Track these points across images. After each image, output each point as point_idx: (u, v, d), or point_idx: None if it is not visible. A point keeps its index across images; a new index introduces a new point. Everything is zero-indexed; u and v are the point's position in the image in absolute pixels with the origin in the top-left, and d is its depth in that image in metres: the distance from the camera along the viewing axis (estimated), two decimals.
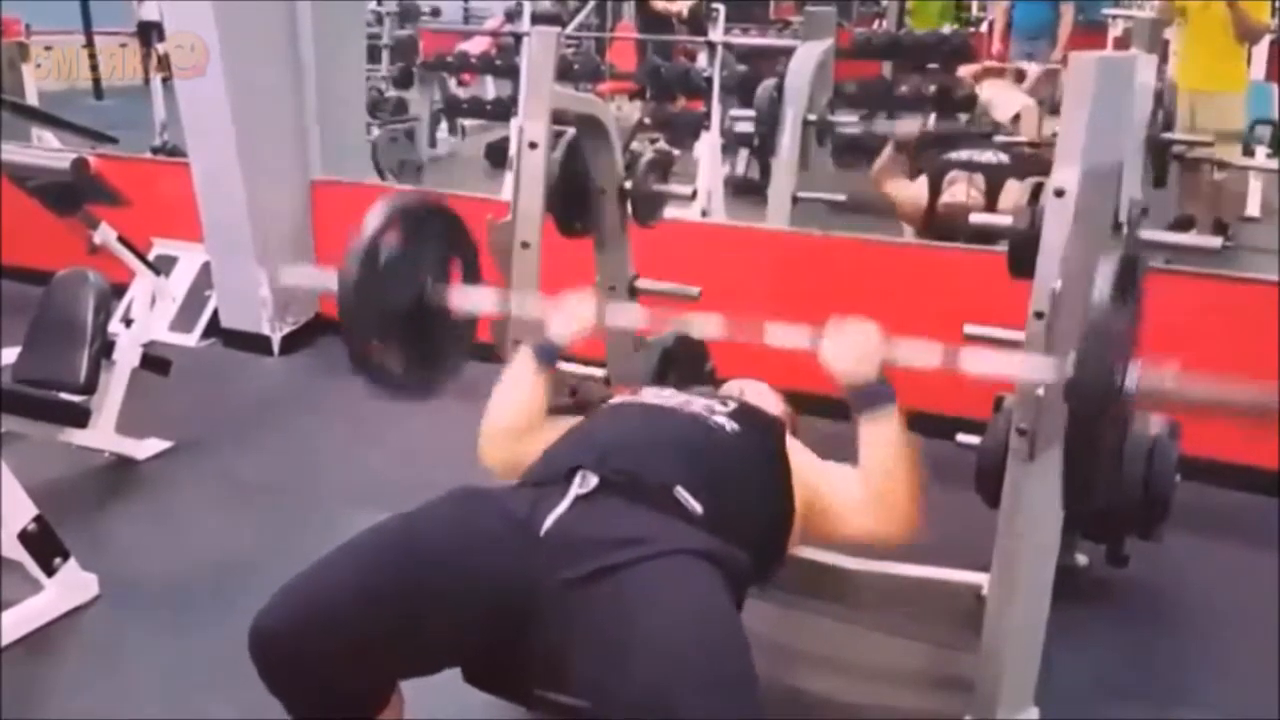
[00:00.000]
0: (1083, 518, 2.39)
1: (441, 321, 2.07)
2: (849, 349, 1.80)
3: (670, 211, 2.85)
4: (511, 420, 2.00)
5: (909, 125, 4.53)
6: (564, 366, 2.27)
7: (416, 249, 2.02)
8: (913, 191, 4.26)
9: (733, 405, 1.98)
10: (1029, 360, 1.78)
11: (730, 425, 1.89)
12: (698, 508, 1.66)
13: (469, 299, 2.09)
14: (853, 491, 1.84)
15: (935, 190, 4.14)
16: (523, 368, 2.02)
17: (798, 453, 1.94)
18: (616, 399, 2.07)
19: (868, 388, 1.79)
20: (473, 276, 2.15)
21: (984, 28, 10.60)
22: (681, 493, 1.66)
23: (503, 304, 2.15)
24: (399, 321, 2.00)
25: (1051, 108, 5.65)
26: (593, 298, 2.08)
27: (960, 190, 4.07)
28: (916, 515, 1.81)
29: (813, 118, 4.83)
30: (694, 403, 1.95)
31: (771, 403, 2.20)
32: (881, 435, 1.80)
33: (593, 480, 1.65)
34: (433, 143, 8.35)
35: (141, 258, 3.62)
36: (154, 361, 3.41)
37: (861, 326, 1.83)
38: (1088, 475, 1.60)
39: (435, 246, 2.07)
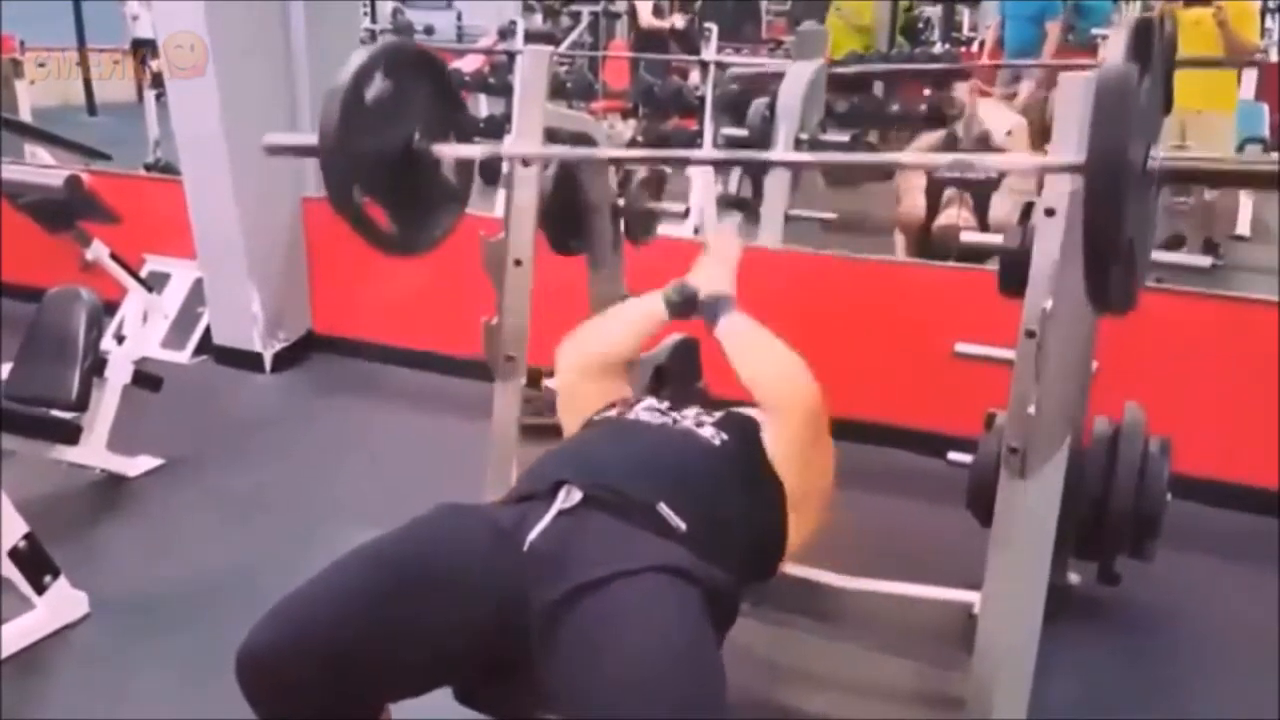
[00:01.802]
0: (1074, 534, 2.40)
1: (432, 177, 2.04)
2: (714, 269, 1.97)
3: (663, 229, 2.85)
4: (604, 350, 2.13)
5: (930, 139, 4.54)
6: (547, 382, 2.27)
7: (404, 97, 1.97)
8: (914, 200, 4.29)
9: (719, 414, 1.98)
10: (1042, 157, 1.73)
11: (719, 437, 1.89)
12: (681, 523, 1.65)
13: (456, 152, 2.06)
14: (765, 417, 1.95)
15: (933, 208, 4.17)
16: (647, 306, 2.05)
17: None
18: (608, 413, 2.07)
19: (712, 300, 1.98)
20: (461, 137, 2.11)
21: (975, 46, 10.65)
22: (665, 509, 1.66)
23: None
24: (384, 173, 1.94)
25: (1041, 128, 5.68)
26: (735, 237, 2.15)
27: (954, 213, 4.10)
28: (803, 375, 1.93)
29: (805, 136, 4.84)
30: (684, 417, 1.95)
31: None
32: (733, 336, 1.99)
33: (576, 495, 1.65)
34: None
35: (134, 275, 3.63)
36: (146, 378, 3.41)
37: (729, 242, 1.92)
38: (1111, 263, 1.43)
39: (424, 99, 2.02)
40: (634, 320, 2.13)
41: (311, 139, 1.88)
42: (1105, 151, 1.35)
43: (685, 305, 2.07)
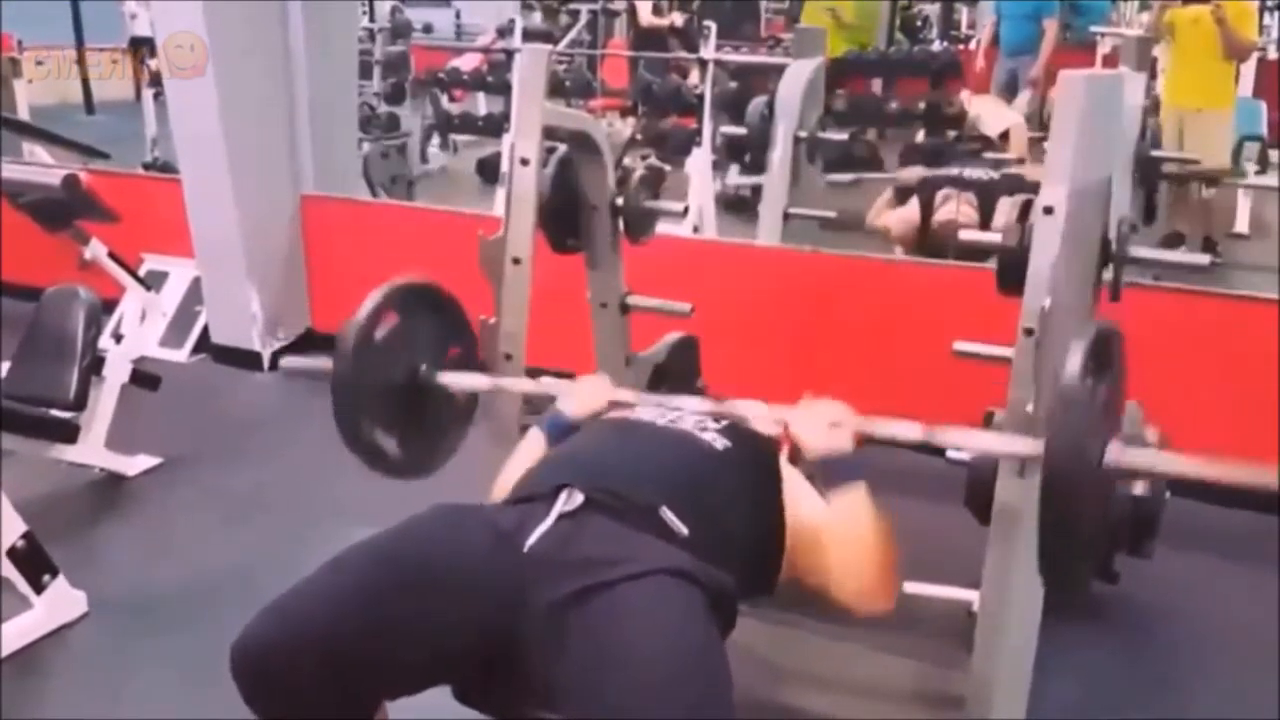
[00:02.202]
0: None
1: (436, 403, 2.09)
2: (820, 423, 1.79)
3: (662, 228, 2.85)
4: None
5: (911, 174, 4.54)
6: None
7: (412, 331, 2.04)
8: (905, 213, 4.28)
9: (724, 422, 1.97)
10: (1005, 439, 1.79)
11: (721, 442, 1.87)
12: (683, 528, 1.65)
13: (462, 382, 2.10)
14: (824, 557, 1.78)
15: (928, 210, 4.16)
16: (535, 448, 2.01)
17: (794, 486, 1.88)
18: (609, 414, 2.07)
19: (839, 461, 1.78)
20: (469, 357, 2.17)
21: (973, 45, 10.64)
22: (666, 513, 1.65)
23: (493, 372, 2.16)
24: (393, 404, 2.01)
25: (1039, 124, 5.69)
26: (606, 380, 2.09)
27: (952, 208, 4.09)
28: (887, 593, 1.76)
29: (803, 134, 4.84)
30: (685, 419, 1.94)
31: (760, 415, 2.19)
32: (849, 512, 1.76)
33: (578, 498, 1.65)
34: (424, 158, 8.37)
35: (132, 273, 3.62)
36: (144, 377, 3.41)
37: (833, 404, 1.82)
38: (1066, 558, 1.52)
39: (432, 329, 2.09)
40: (530, 459, 2.06)
41: (324, 364, 1.96)
42: (1066, 453, 1.43)
43: (560, 433, 2.01)
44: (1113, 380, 1.56)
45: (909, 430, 1.75)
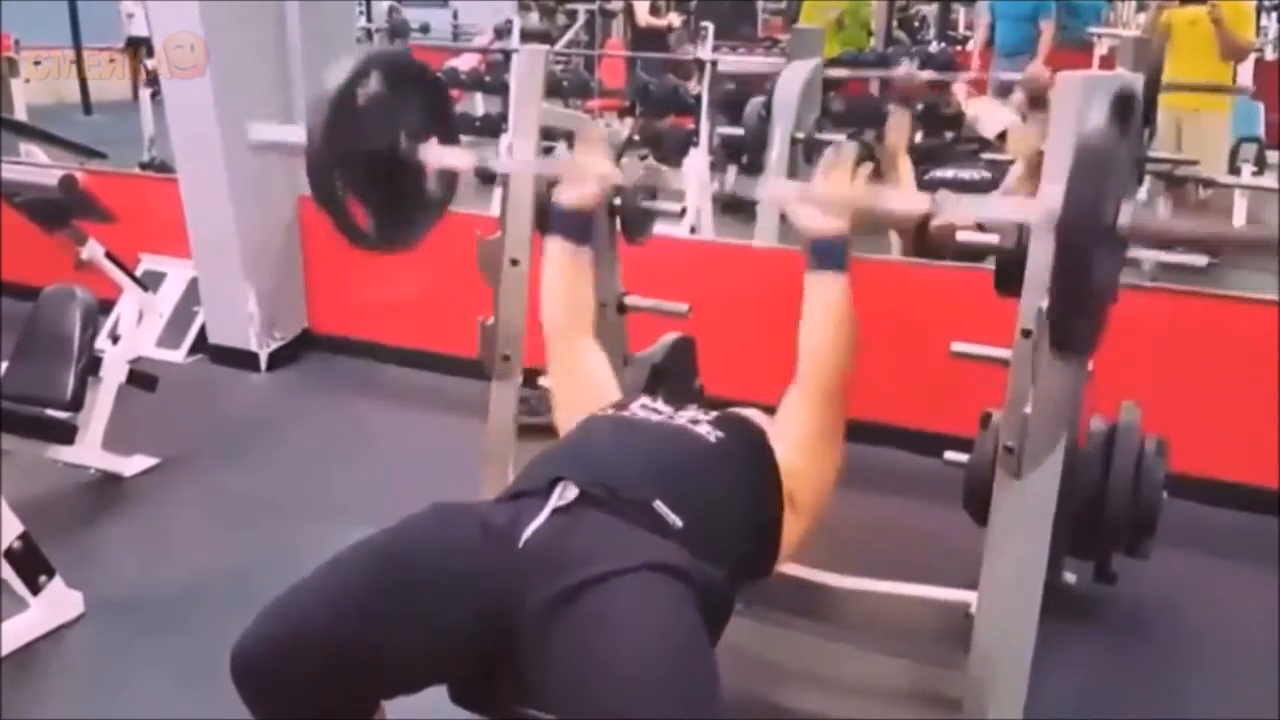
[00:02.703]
0: (1071, 532, 2.39)
1: (416, 181, 2.06)
2: (818, 206, 1.87)
3: (659, 228, 2.85)
4: (565, 314, 2.14)
5: (905, 71, 4.49)
6: (542, 381, 2.26)
7: (395, 102, 1.99)
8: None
9: (715, 414, 1.98)
10: (1014, 202, 1.76)
11: (714, 435, 1.88)
12: (677, 521, 1.65)
13: (443, 157, 2.06)
14: (790, 390, 1.94)
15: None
16: (560, 253, 2.04)
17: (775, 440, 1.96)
18: (604, 411, 2.07)
19: (824, 242, 1.90)
20: (448, 139, 2.12)
21: (970, 45, 10.64)
22: (661, 506, 1.66)
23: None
24: (368, 170, 1.96)
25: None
26: (602, 150, 2.11)
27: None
28: (846, 382, 1.93)
29: (800, 135, 4.84)
30: (680, 414, 1.95)
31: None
32: (822, 297, 1.94)
33: (572, 493, 1.65)
34: None
35: (129, 273, 3.62)
36: (141, 378, 3.40)
37: (840, 185, 1.86)
38: (1078, 318, 1.50)
39: (415, 106, 2.04)
40: (558, 271, 2.11)
41: (297, 134, 1.90)
42: (1081, 210, 1.40)
43: (574, 229, 2.08)
44: (1131, 142, 1.54)
45: (913, 201, 1.79)
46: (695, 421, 1.91)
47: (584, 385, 2.12)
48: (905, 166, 4.25)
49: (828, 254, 1.96)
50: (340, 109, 1.86)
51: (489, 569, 1.56)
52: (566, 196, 2.07)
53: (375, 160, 1.97)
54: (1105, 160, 1.41)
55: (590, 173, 2.09)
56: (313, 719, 1.54)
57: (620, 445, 1.83)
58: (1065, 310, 1.47)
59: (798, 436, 1.93)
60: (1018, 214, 1.76)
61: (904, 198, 1.75)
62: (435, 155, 2.05)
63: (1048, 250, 1.78)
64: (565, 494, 1.64)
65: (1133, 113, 1.52)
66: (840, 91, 7.09)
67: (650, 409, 1.97)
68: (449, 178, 2.13)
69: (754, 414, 2.05)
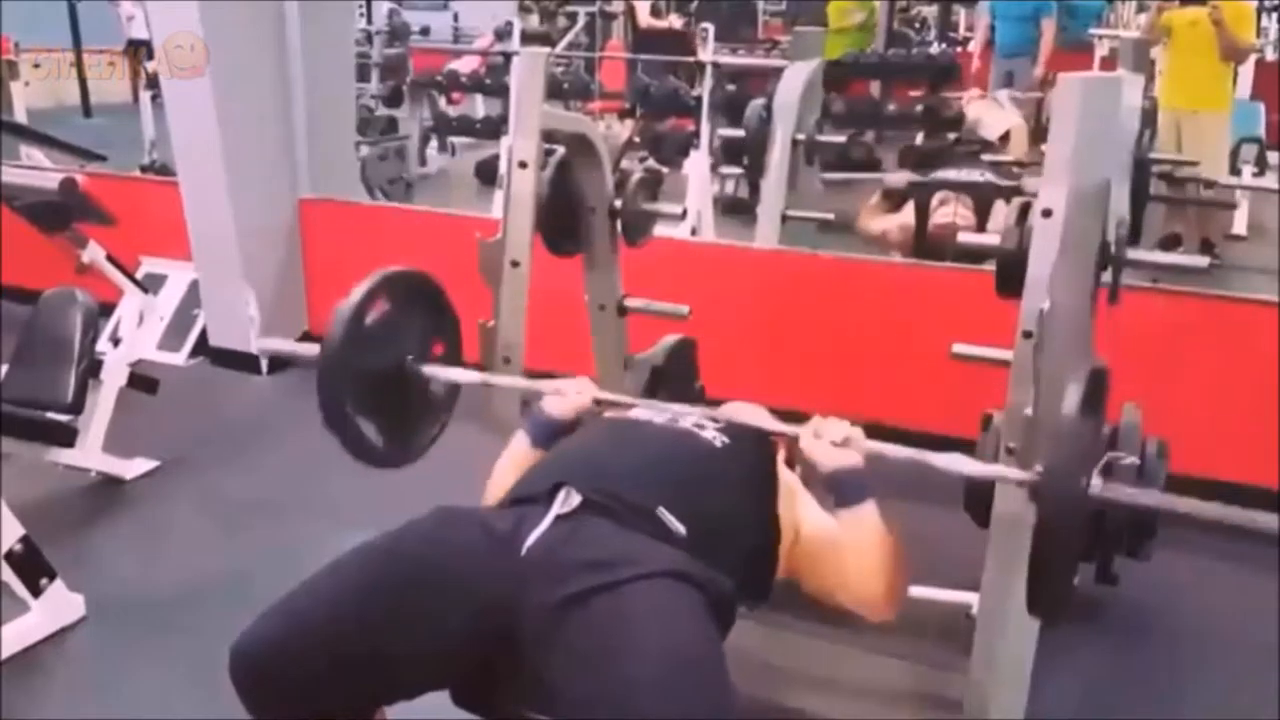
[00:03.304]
0: None
1: (420, 394, 2.09)
2: (830, 440, 1.79)
3: (660, 230, 2.85)
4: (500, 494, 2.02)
5: (898, 178, 4.51)
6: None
7: (400, 322, 2.05)
8: (901, 219, 4.27)
9: (723, 421, 1.97)
10: (1000, 469, 1.81)
11: (720, 440, 1.88)
12: (680, 529, 1.65)
13: (449, 375, 2.10)
14: (831, 566, 1.83)
15: (924, 214, 4.15)
16: (520, 448, 2.02)
17: (791, 492, 1.93)
18: (607, 414, 2.07)
19: (850, 478, 1.78)
20: (454, 352, 2.16)
21: (970, 47, 10.64)
22: (664, 514, 1.65)
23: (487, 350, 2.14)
24: (377, 391, 2.01)
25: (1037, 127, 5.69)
26: (589, 382, 2.09)
27: (949, 210, 4.08)
28: (894, 603, 1.81)
29: (801, 137, 4.84)
30: (684, 419, 1.95)
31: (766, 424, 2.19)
32: (861, 527, 1.78)
33: (575, 499, 1.64)
34: (423, 160, 8.37)
35: (130, 276, 3.62)
36: (141, 380, 3.40)
37: (840, 422, 1.82)
38: (1058, 583, 1.58)
39: (420, 320, 2.09)
40: (517, 462, 2.02)
41: (310, 350, 1.98)
42: (1059, 483, 1.54)
43: (544, 435, 2.02)
44: (1099, 417, 1.70)
45: (905, 453, 1.76)
46: (701, 425, 1.91)
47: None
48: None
49: (857, 488, 1.82)
50: (351, 334, 1.93)
51: (491, 574, 1.56)
52: (552, 406, 2.06)
53: (383, 379, 2.03)
54: (1079, 441, 1.57)
55: (576, 392, 2.07)
56: None
57: (623, 451, 1.83)
58: (1042, 575, 1.56)
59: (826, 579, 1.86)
60: (1006, 476, 1.79)
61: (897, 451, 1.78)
62: (440, 373, 2.10)
63: (1050, 248, 1.79)
64: (568, 500, 1.64)
65: (1102, 393, 1.69)
66: (841, 92, 7.09)
67: (653, 413, 1.97)
68: (451, 390, 2.16)
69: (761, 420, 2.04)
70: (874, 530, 1.77)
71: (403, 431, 2.10)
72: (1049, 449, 1.59)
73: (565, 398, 2.03)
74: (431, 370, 2.07)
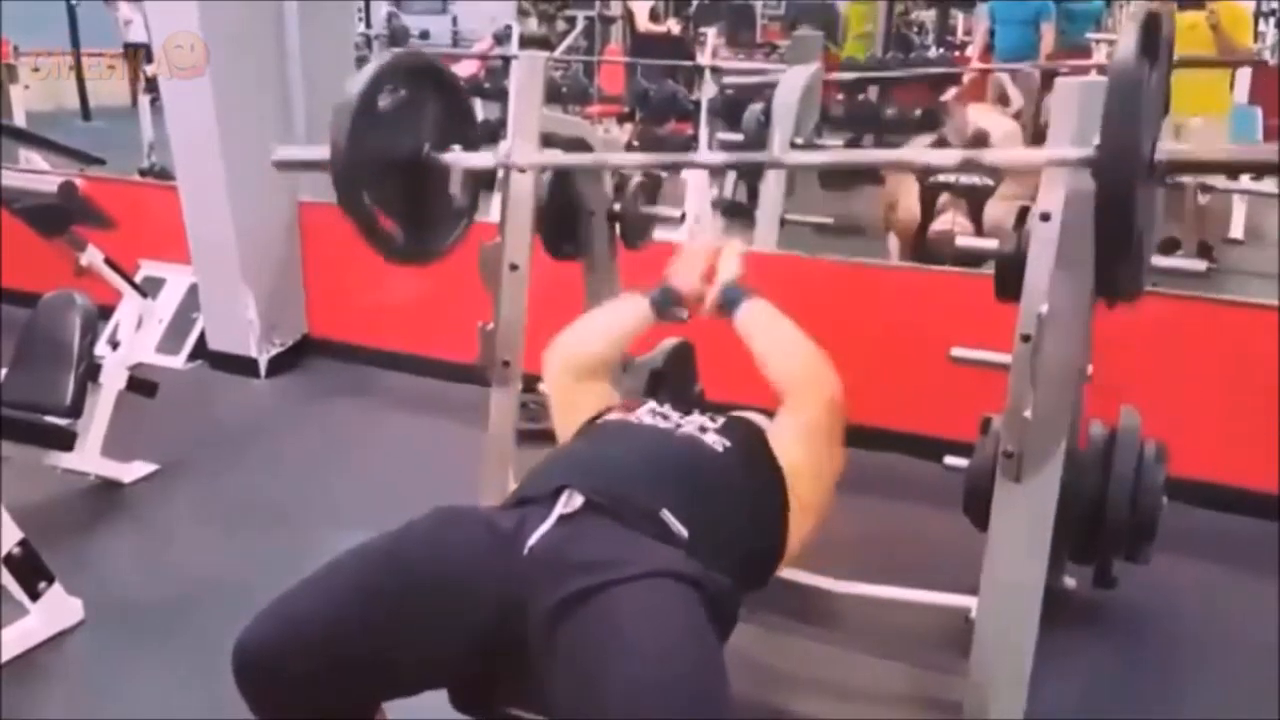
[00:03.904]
0: (1071, 537, 2.39)
1: (440, 187, 2.05)
2: (695, 270, 1.93)
3: (659, 234, 2.86)
4: (590, 350, 2.13)
5: (897, 178, 4.52)
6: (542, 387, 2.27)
7: (415, 108, 1.99)
8: (910, 203, 4.29)
9: (721, 420, 1.98)
10: (1059, 150, 1.72)
11: (722, 444, 1.88)
12: (683, 531, 1.65)
13: (468, 160, 2.06)
14: (784, 404, 1.97)
15: (928, 212, 4.16)
16: (632, 306, 2.08)
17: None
18: (610, 416, 2.07)
19: (728, 293, 1.96)
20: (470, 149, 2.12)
21: (968, 51, 10.64)
22: (667, 515, 1.66)
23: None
24: (394, 181, 1.96)
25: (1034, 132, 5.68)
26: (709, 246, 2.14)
27: (949, 219, 4.10)
28: (827, 365, 1.96)
29: (800, 141, 4.85)
30: (687, 422, 1.95)
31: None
32: (757, 322, 1.98)
33: (578, 500, 1.65)
34: None
35: (128, 280, 3.61)
36: (140, 384, 3.40)
37: (702, 247, 1.91)
38: (1120, 256, 1.48)
39: (435, 110, 2.04)
40: (618, 321, 2.14)
41: (320, 152, 1.90)
42: (1119, 145, 1.37)
43: (665, 302, 2.09)
44: (1163, 69, 1.51)
45: (952, 156, 1.74)
46: (703, 429, 1.91)
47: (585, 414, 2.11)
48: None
49: (736, 297, 2.06)
50: (362, 118, 1.87)
51: (493, 574, 1.56)
52: (681, 280, 2.10)
53: (400, 170, 1.97)
54: (1140, 89, 1.37)
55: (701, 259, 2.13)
56: (313, 719, 1.55)
57: (626, 453, 1.83)
58: (1111, 249, 1.46)
59: (799, 441, 1.93)
60: (1049, 156, 1.73)
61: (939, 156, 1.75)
62: (459, 159, 2.05)
63: (1049, 251, 1.79)
64: (571, 501, 1.64)
65: (1161, 37, 1.48)
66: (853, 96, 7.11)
67: (658, 414, 1.97)
68: (472, 186, 2.12)
69: (755, 417, 2.06)
70: (769, 316, 1.89)
71: (422, 227, 2.06)
72: (1104, 123, 1.38)
73: (692, 264, 2.12)
74: (452, 157, 2.03)
